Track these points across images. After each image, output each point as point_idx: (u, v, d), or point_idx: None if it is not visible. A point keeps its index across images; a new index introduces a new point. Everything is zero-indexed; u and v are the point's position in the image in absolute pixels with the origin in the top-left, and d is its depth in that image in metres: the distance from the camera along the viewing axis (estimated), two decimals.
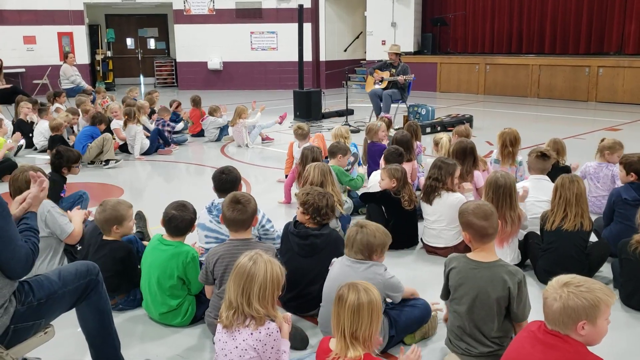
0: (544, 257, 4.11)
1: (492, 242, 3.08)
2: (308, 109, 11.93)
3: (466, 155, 5.12)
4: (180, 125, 9.90)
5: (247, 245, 3.24)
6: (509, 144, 5.67)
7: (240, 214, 3.29)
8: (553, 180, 4.44)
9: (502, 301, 2.92)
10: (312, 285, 3.56)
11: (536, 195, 4.54)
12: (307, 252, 3.61)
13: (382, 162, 5.60)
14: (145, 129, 9.15)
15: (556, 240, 4.02)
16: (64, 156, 5.23)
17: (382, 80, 10.89)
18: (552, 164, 5.26)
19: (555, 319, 2.30)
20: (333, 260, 3.33)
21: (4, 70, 11.98)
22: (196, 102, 10.41)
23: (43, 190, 2.71)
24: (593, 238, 4.23)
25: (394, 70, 10.86)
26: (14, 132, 8.98)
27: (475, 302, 2.95)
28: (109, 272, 3.64)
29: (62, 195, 5.19)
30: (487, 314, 2.94)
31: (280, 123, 10.04)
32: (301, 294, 3.61)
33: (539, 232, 4.32)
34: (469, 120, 10.51)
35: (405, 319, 3.24)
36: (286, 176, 6.48)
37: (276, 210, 5.92)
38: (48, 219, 4.00)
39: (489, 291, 2.92)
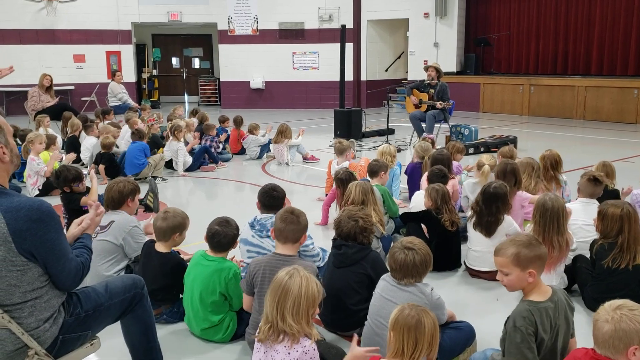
0: (595, 286, 3.96)
1: None
2: (348, 128, 11.94)
3: (506, 176, 5.01)
4: (220, 146, 10.03)
5: (289, 261, 3.24)
6: (550, 167, 5.55)
7: (293, 224, 3.35)
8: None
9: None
10: (348, 299, 3.55)
11: (584, 218, 4.39)
12: (340, 262, 3.64)
13: (424, 182, 5.55)
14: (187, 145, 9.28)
15: (617, 274, 3.83)
16: (60, 177, 5.40)
17: (420, 103, 10.81)
18: None
19: (605, 341, 2.21)
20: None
21: (54, 88, 12.35)
22: (237, 123, 10.55)
23: (99, 215, 2.84)
24: None
25: (432, 91, 10.75)
26: (63, 147, 9.25)
27: (560, 337, 2.79)
28: (158, 284, 3.72)
29: (84, 209, 5.32)
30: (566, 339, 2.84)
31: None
32: (338, 307, 3.58)
33: (587, 256, 4.19)
34: (513, 141, 10.34)
35: (450, 341, 3.18)
36: (326, 195, 6.47)
37: (315, 229, 5.91)
38: (129, 232, 4.15)
39: (566, 318, 2.81)
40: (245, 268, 4.00)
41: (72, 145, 9.27)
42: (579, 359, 2.33)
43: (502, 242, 2.90)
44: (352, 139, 7.13)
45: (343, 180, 5.43)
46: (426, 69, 11.03)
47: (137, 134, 8.52)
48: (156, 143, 9.25)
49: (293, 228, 3.35)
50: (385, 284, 3.21)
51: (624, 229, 3.76)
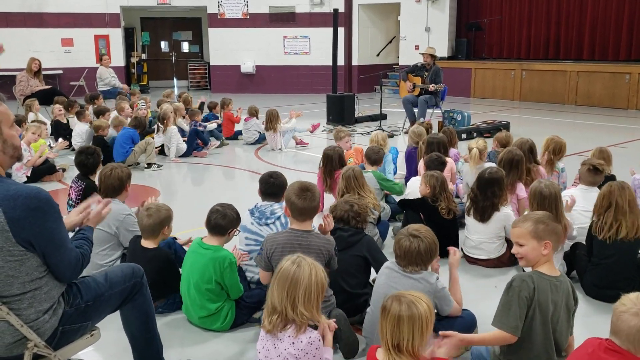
0: (593, 271, 3.97)
1: None
2: (341, 113, 11.88)
3: (512, 168, 4.98)
4: (212, 125, 9.89)
5: (308, 236, 3.27)
6: (552, 152, 5.56)
7: (310, 201, 3.30)
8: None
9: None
10: (345, 283, 3.54)
11: (584, 205, 4.39)
12: (337, 245, 3.58)
13: (422, 168, 5.52)
14: (181, 131, 9.16)
15: (612, 253, 3.86)
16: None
17: (414, 87, 10.83)
18: None
19: (630, 335, 2.15)
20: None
21: (43, 72, 12.16)
22: (223, 105, 10.46)
23: (106, 210, 2.83)
24: None
25: (426, 74, 10.80)
26: (51, 133, 9.13)
27: (559, 321, 2.77)
28: (149, 280, 3.65)
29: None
30: (566, 330, 2.82)
31: (311, 132, 10.01)
32: (337, 291, 3.54)
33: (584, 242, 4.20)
34: (506, 126, 10.34)
35: (451, 329, 3.15)
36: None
37: None
38: (123, 221, 4.09)
39: (567, 306, 2.78)
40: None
41: (57, 130, 9.12)
42: (594, 352, 2.25)
43: (520, 217, 2.97)
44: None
45: (330, 157, 5.41)
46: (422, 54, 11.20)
47: (137, 126, 8.38)
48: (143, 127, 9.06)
49: (311, 205, 3.30)
50: (389, 271, 3.19)
51: (612, 202, 3.86)
